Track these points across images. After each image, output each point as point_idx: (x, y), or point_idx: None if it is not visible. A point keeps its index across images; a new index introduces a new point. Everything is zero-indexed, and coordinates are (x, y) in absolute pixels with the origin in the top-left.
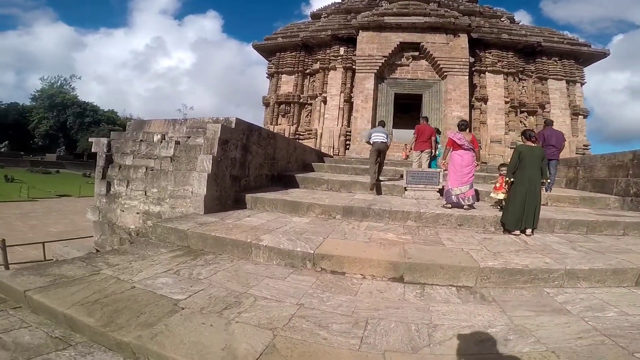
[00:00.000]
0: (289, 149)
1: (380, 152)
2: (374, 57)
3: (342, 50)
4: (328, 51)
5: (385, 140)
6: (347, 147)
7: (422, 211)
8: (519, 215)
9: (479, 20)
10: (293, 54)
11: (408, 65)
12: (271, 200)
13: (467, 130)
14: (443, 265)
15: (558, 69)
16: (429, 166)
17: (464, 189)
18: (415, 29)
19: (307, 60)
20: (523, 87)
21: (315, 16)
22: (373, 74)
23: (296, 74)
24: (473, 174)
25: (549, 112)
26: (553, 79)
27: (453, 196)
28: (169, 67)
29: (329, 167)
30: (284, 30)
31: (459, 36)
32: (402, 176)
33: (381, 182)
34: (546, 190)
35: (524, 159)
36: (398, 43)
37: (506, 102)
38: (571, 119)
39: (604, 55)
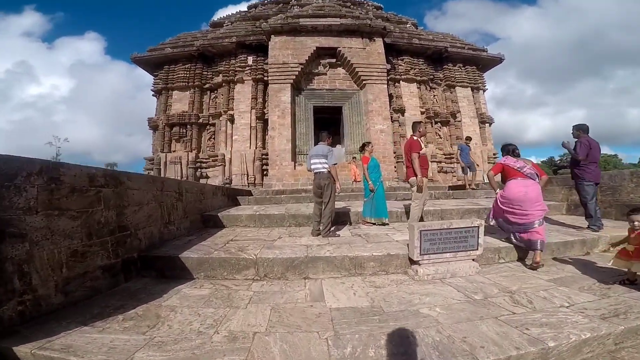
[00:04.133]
0: (164, 199)
1: (321, 187)
2: (289, 64)
3: (250, 59)
4: (233, 61)
5: (323, 168)
6: (265, 172)
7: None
8: None
9: (389, 26)
10: (187, 65)
11: (326, 74)
12: None
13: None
14: None
15: (464, 76)
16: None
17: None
18: (331, 32)
19: (206, 72)
20: (434, 96)
21: (216, 25)
22: (289, 85)
23: (192, 89)
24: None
25: (460, 121)
26: (460, 86)
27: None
28: (40, 95)
29: (249, 217)
30: (175, 40)
31: (374, 40)
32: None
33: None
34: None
35: None
36: (314, 48)
37: (422, 113)
38: (479, 127)
39: (499, 60)
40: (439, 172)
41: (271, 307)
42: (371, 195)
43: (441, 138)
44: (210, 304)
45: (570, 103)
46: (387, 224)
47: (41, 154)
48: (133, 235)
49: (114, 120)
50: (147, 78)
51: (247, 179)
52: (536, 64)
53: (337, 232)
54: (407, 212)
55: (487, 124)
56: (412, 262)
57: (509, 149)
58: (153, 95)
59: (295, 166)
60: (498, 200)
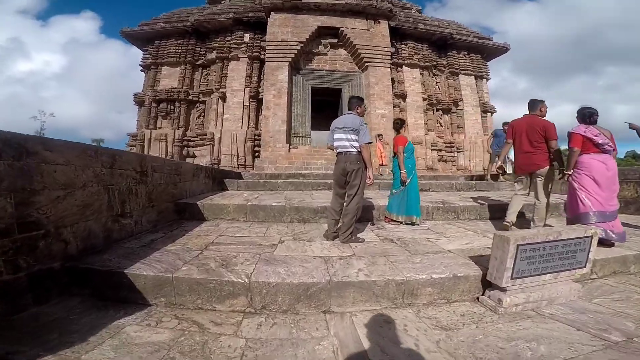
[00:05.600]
0: (115, 181)
1: (346, 174)
2: (288, 42)
3: (247, 37)
4: (229, 38)
5: (352, 147)
6: (257, 154)
7: None
8: None
9: (395, 9)
10: (179, 41)
11: (326, 55)
12: None
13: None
14: None
15: (467, 64)
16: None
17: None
18: (335, 11)
19: (199, 49)
20: (437, 82)
21: (214, 1)
22: (287, 63)
23: (183, 65)
24: None
25: (462, 109)
26: (463, 74)
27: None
28: (30, 71)
29: (238, 208)
30: (169, 15)
31: (379, 22)
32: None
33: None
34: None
35: None
36: (316, 27)
37: (424, 99)
38: (481, 117)
39: (505, 50)
40: (438, 160)
41: None
42: (402, 187)
43: (442, 126)
44: None
45: (560, 98)
46: (418, 224)
47: (25, 129)
48: (53, 236)
49: (105, 98)
50: (140, 56)
51: (237, 160)
52: (531, 59)
53: (360, 236)
54: (441, 208)
55: (489, 114)
56: (490, 285)
57: (586, 113)
58: (141, 70)
59: (290, 149)
60: (579, 182)
